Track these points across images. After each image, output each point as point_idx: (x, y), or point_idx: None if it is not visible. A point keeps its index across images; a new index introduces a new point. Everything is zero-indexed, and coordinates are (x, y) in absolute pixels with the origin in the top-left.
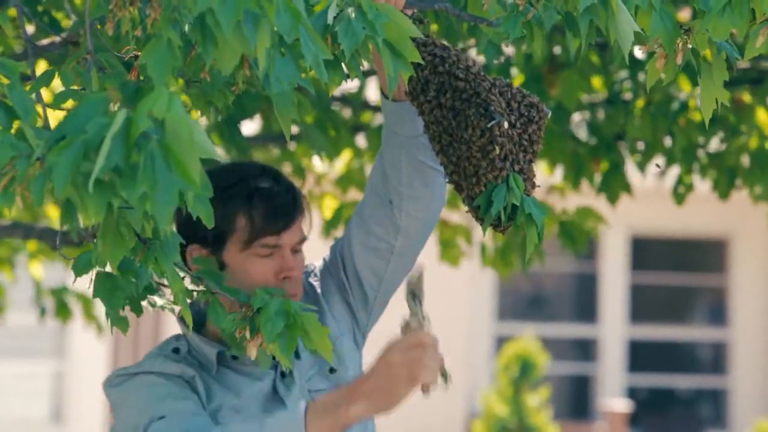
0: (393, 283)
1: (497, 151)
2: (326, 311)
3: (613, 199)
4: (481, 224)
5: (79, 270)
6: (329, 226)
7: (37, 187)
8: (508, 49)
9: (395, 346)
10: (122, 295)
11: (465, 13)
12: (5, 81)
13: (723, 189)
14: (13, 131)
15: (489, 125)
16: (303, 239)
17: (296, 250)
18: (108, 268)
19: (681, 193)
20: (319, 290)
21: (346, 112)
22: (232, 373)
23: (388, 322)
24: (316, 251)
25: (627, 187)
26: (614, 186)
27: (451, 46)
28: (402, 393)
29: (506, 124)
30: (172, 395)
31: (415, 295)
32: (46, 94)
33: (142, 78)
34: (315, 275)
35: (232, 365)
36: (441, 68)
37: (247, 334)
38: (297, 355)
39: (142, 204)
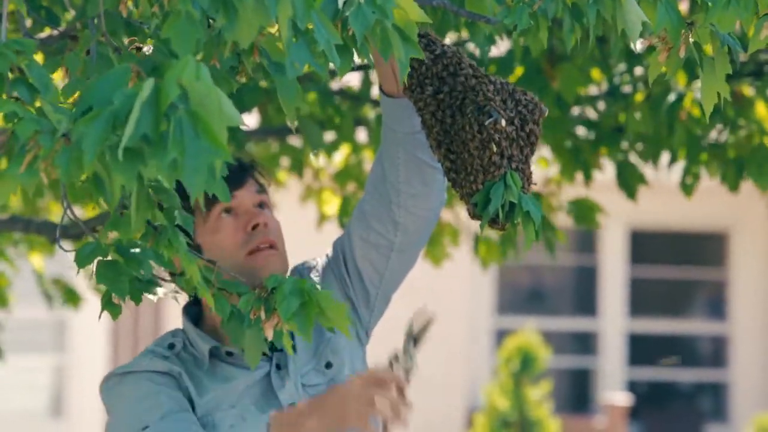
0: (394, 280)
1: (494, 148)
2: None
3: (632, 193)
4: (478, 221)
5: (83, 261)
6: (341, 217)
7: (64, 162)
8: (508, 42)
9: (360, 378)
10: (126, 279)
11: (463, 10)
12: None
13: (732, 181)
14: (32, 109)
15: (486, 123)
16: (262, 191)
17: (261, 206)
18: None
19: (689, 184)
20: (319, 286)
21: (346, 106)
22: (226, 366)
23: (393, 326)
24: (312, 246)
25: (643, 179)
26: (631, 180)
27: (448, 43)
28: (351, 423)
29: (503, 122)
30: (156, 392)
31: (413, 339)
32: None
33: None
34: (316, 270)
35: (226, 359)
36: (439, 65)
37: (263, 315)
38: (294, 349)
39: (172, 171)
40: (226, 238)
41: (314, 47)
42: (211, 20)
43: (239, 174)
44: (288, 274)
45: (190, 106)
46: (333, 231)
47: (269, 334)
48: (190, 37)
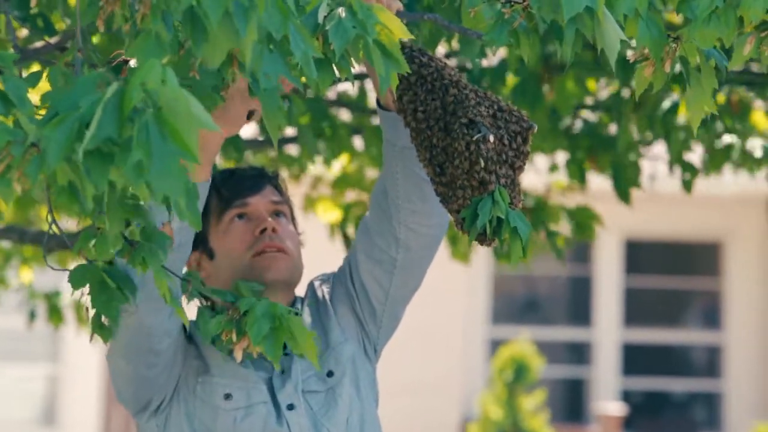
0: (401, 297)
1: (482, 164)
2: (332, 317)
3: (626, 198)
4: (466, 236)
5: (76, 282)
6: (341, 226)
7: (33, 171)
8: (502, 52)
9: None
10: (118, 305)
11: (454, 25)
12: None
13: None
14: (9, 122)
15: (474, 138)
16: (280, 202)
17: (277, 215)
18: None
19: (688, 180)
20: (328, 296)
21: (345, 116)
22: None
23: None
24: (312, 256)
25: (637, 182)
26: (624, 184)
27: (437, 57)
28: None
29: (491, 138)
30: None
31: None
32: (34, 98)
33: None
34: (329, 284)
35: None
36: (426, 78)
37: (234, 337)
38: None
39: (138, 174)
40: (235, 241)
41: (291, 59)
42: (182, 40)
43: (257, 180)
44: (303, 285)
45: (156, 109)
46: (332, 241)
47: (239, 356)
48: (156, 58)
